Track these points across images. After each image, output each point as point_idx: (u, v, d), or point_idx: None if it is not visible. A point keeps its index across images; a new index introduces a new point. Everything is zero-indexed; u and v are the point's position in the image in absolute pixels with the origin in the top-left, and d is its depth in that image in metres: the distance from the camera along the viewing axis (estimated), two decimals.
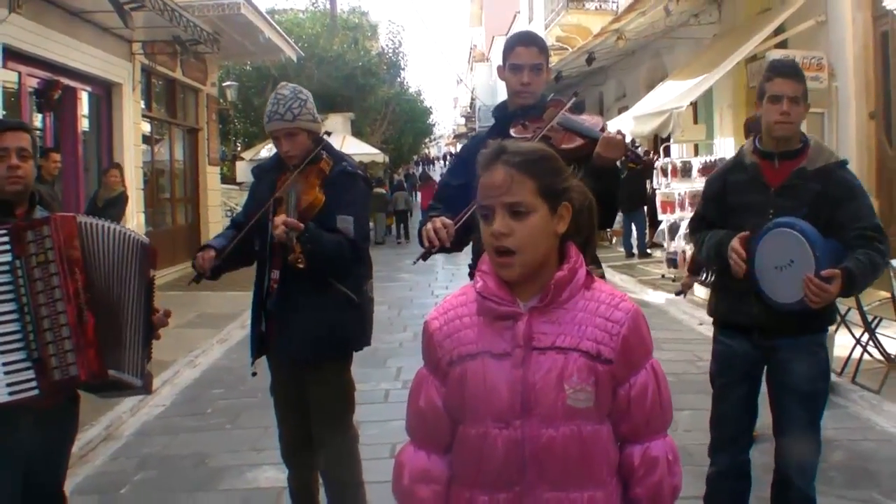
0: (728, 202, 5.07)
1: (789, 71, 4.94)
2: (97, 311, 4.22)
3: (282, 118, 5.16)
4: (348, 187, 5.32)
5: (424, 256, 4.72)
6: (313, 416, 5.46)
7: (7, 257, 4.10)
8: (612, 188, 4.68)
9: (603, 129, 4.82)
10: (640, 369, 2.74)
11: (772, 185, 4.87)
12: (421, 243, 4.81)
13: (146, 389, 4.64)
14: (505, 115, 5.20)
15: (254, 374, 5.60)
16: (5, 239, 4.11)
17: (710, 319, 5.32)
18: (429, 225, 4.63)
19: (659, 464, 2.76)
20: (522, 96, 5.07)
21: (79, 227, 4.25)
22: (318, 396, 5.40)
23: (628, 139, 5.07)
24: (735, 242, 4.76)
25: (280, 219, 4.91)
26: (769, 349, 4.91)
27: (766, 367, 5.06)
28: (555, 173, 2.75)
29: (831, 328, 9.06)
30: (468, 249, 5.05)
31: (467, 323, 2.75)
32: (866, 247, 4.57)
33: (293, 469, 5.68)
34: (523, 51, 5.04)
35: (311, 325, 5.20)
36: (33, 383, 4.05)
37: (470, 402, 2.68)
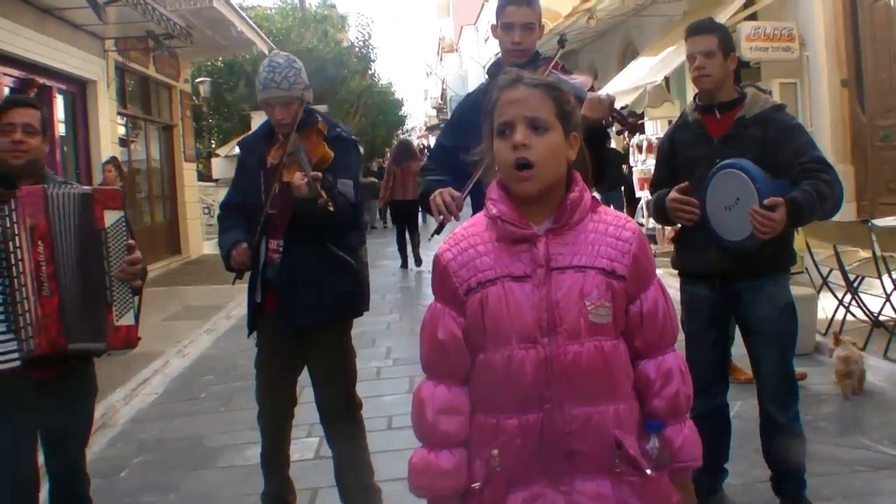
0: (677, 160, 5.24)
1: (696, 28, 5.16)
2: (61, 282, 4.30)
3: (278, 86, 5.19)
4: (345, 152, 5.40)
5: (439, 230, 4.78)
6: (318, 383, 5.55)
7: None
8: (597, 147, 4.77)
9: (592, 89, 4.92)
10: (649, 285, 2.87)
11: (715, 136, 5.05)
12: (428, 212, 4.90)
13: (113, 347, 4.56)
14: (498, 73, 5.24)
15: (257, 343, 5.65)
16: None
17: None
18: (438, 198, 4.69)
19: (674, 374, 2.88)
20: (514, 55, 5.10)
21: (46, 199, 4.32)
22: (322, 362, 5.50)
23: (619, 104, 5.18)
24: (672, 194, 4.94)
25: (299, 176, 4.92)
26: (732, 294, 5.06)
27: (732, 314, 5.23)
28: (568, 102, 2.88)
29: (813, 290, 9.23)
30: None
31: (482, 251, 2.82)
32: (811, 178, 4.68)
33: (270, 443, 5.70)
34: (514, 10, 5.07)
35: (314, 290, 5.26)
36: (15, 354, 4.18)
37: (492, 327, 2.75)
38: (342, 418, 5.57)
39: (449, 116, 5.88)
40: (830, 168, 4.78)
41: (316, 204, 4.87)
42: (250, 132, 5.90)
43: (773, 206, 4.51)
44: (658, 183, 5.40)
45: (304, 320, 5.32)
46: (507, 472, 2.76)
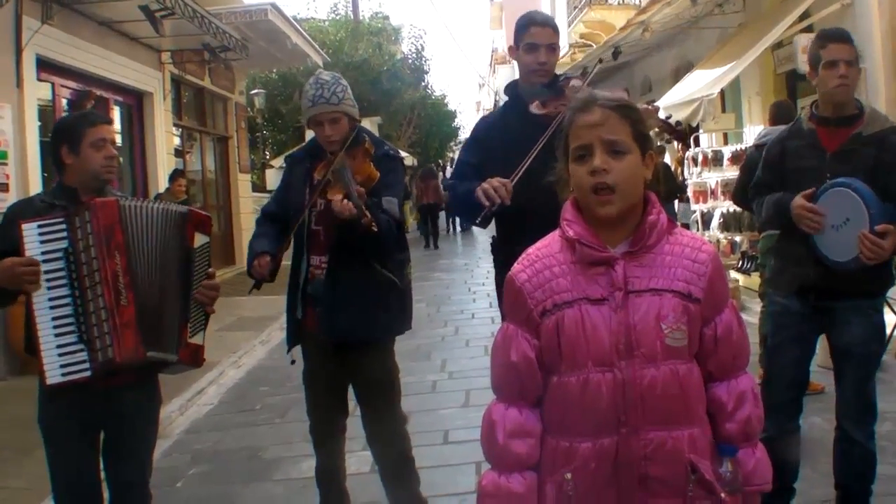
0: (786, 167, 5.15)
1: (840, 36, 5.03)
2: (138, 291, 4.35)
3: (327, 102, 5.21)
4: (391, 170, 5.40)
5: (485, 218, 4.75)
6: (361, 398, 5.56)
7: (63, 244, 4.26)
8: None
9: None
10: (723, 308, 2.83)
11: (828, 149, 4.93)
12: (467, 212, 4.88)
13: (183, 363, 4.62)
14: (518, 93, 5.30)
15: (292, 361, 5.64)
16: (62, 226, 4.28)
17: (749, 306, 5.38)
18: (485, 184, 4.67)
19: (746, 398, 2.84)
20: (539, 74, 5.16)
21: (120, 210, 4.37)
22: (365, 379, 5.49)
23: (662, 114, 5.15)
24: (801, 200, 4.83)
25: (339, 198, 4.90)
26: (826, 311, 4.97)
27: (823, 331, 5.15)
28: (642, 122, 2.85)
29: None
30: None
31: (558, 272, 2.78)
32: None
33: (324, 458, 5.70)
34: (539, 31, 5.15)
35: (356, 308, 5.24)
36: (85, 365, 4.23)
37: (568, 350, 2.72)
38: (387, 434, 5.57)
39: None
40: None
41: (359, 223, 4.85)
42: (298, 147, 5.91)
43: (885, 233, 4.47)
44: (762, 185, 5.34)
45: (346, 338, 5.31)
46: (580, 497, 2.73)
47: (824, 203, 4.78)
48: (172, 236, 4.55)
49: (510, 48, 5.34)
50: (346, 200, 4.87)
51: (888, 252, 4.50)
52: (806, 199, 4.82)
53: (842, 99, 4.93)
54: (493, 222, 5.07)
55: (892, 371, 8.85)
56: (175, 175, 15.39)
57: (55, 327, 4.22)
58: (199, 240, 4.67)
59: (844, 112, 4.95)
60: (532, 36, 5.14)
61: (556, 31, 5.23)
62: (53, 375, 4.19)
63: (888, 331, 9.28)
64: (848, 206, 4.64)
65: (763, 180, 5.36)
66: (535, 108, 4.95)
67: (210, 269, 4.73)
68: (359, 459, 6.90)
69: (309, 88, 5.29)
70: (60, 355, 4.20)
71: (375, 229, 4.90)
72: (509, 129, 5.13)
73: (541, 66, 5.13)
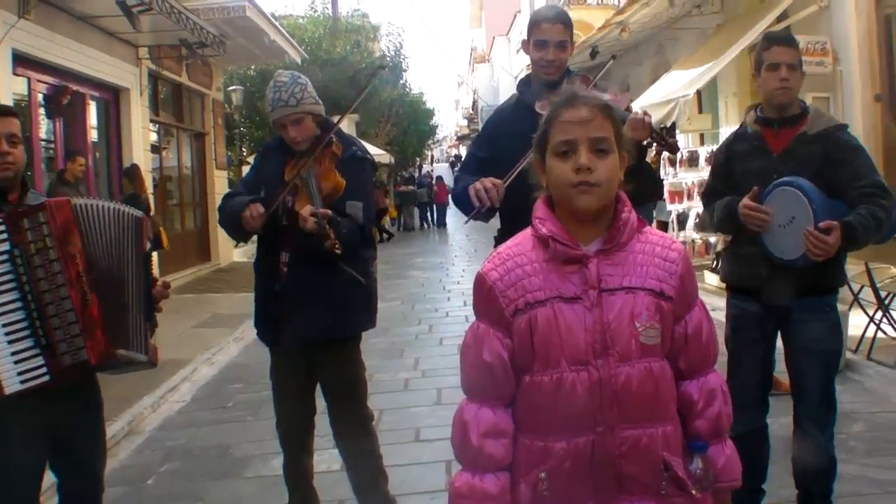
0: (734, 171, 5.17)
1: (784, 39, 5.11)
2: (100, 291, 4.25)
3: (286, 104, 5.14)
4: (358, 173, 5.36)
5: (475, 216, 4.76)
6: (329, 396, 5.55)
7: (5, 246, 4.11)
8: (639, 164, 4.74)
9: (628, 109, 4.89)
10: (693, 306, 2.85)
11: (774, 150, 4.98)
12: (465, 208, 4.87)
13: (152, 363, 4.55)
14: (530, 91, 5.24)
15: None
16: (2, 228, 4.12)
17: (723, 306, 5.40)
18: (478, 184, 4.67)
19: (716, 395, 2.86)
20: (547, 72, 5.12)
21: (74, 209, 4.26)
22: (331, 376, 5.48)
23: (654, 121, 5.16)
24: (746, 200, 4.86)
25: (308, 209, 4.89)
26: (781, 311, 4.99)
27: (780, 330, 5.14)
28: (620, 123, 2.84)
29: (845, 307, 9.16)
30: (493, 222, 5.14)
31: (530, 271, 2.75)
32: (868, 203, 4.64)
33: (291, 455, 5.68)
34: (548, 27, 5.09)
35: (320, 306, 5.21)
36: (44, 370, 4.10)
37: (541, 349, 2.69)
38: (354, 432, 5.55)
39: (480, 127, 5.88)
40: (889, 193, 4.73)
41: (322, 242, 4.81)
42: (273, 139, 5.89)
43: (829, 229, 4.49)
44: (712, 192, 5.37)
45: (308, 334, 5.29)
46: (555, 496, 2.72)
47: (770, 203, 4.81)
48: (130, 237, 4.46)
49: (523, 42, 5.31)
50: (312, 219, 4.83)
51: (833, 248, 4.52)
52: (752, 199, 4.86)
53: (782, 101, 4.98)
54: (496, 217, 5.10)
55: (862, 371, 8.90)
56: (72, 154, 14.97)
57: (7, 334, 4.09)
58: (146, 244, 4.60)
59: (788, 113, 5.00)
60: (541, 32, 5.10)
61: (567, 26, 5.16)
62: (12, 384, 4.06)
63: (859, 332, 9.43)
64: (793, 204, 4.69)
65: (713, 187, 5.40)
66: (539, 108, 4.94)
67: (154, 275, 4.69)
68: (330, 457, 6.87)
69: (269, 92, 5.25)
70: (16, 363, 4.08)
71: (339, 251, 4.86)
72: (518, 126, 5.08)
73: (549, 63, 5.10)
